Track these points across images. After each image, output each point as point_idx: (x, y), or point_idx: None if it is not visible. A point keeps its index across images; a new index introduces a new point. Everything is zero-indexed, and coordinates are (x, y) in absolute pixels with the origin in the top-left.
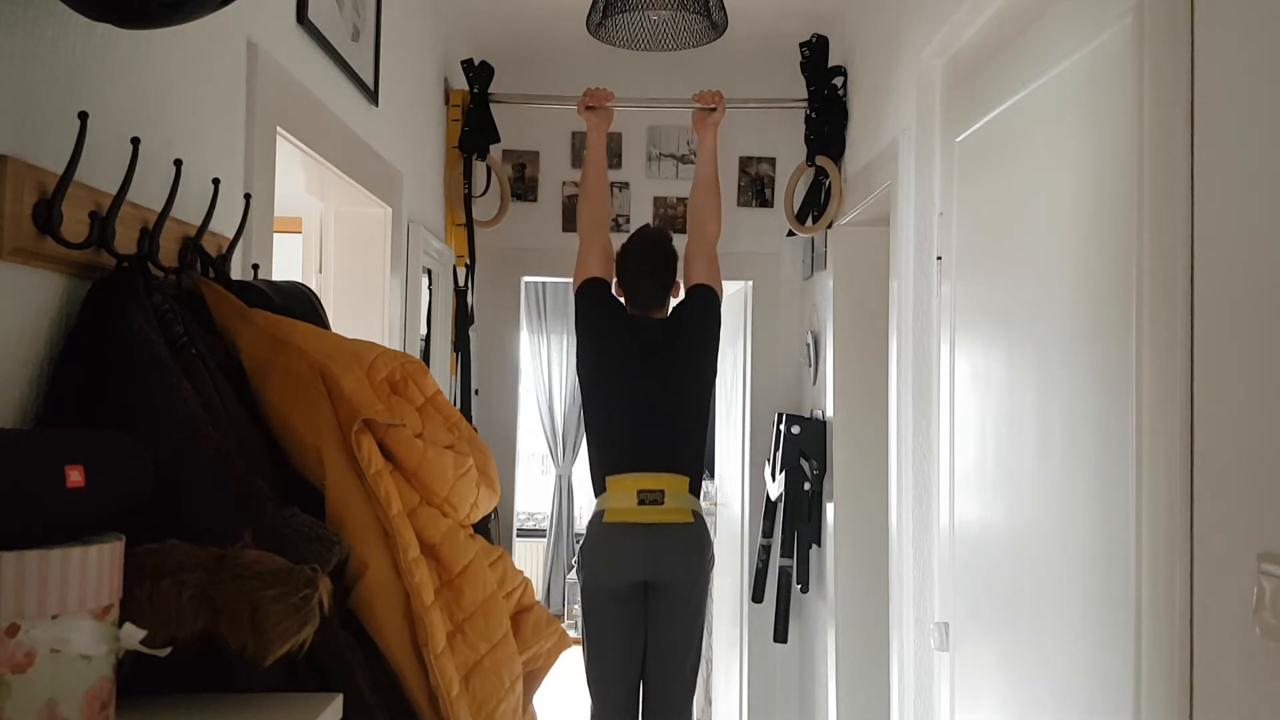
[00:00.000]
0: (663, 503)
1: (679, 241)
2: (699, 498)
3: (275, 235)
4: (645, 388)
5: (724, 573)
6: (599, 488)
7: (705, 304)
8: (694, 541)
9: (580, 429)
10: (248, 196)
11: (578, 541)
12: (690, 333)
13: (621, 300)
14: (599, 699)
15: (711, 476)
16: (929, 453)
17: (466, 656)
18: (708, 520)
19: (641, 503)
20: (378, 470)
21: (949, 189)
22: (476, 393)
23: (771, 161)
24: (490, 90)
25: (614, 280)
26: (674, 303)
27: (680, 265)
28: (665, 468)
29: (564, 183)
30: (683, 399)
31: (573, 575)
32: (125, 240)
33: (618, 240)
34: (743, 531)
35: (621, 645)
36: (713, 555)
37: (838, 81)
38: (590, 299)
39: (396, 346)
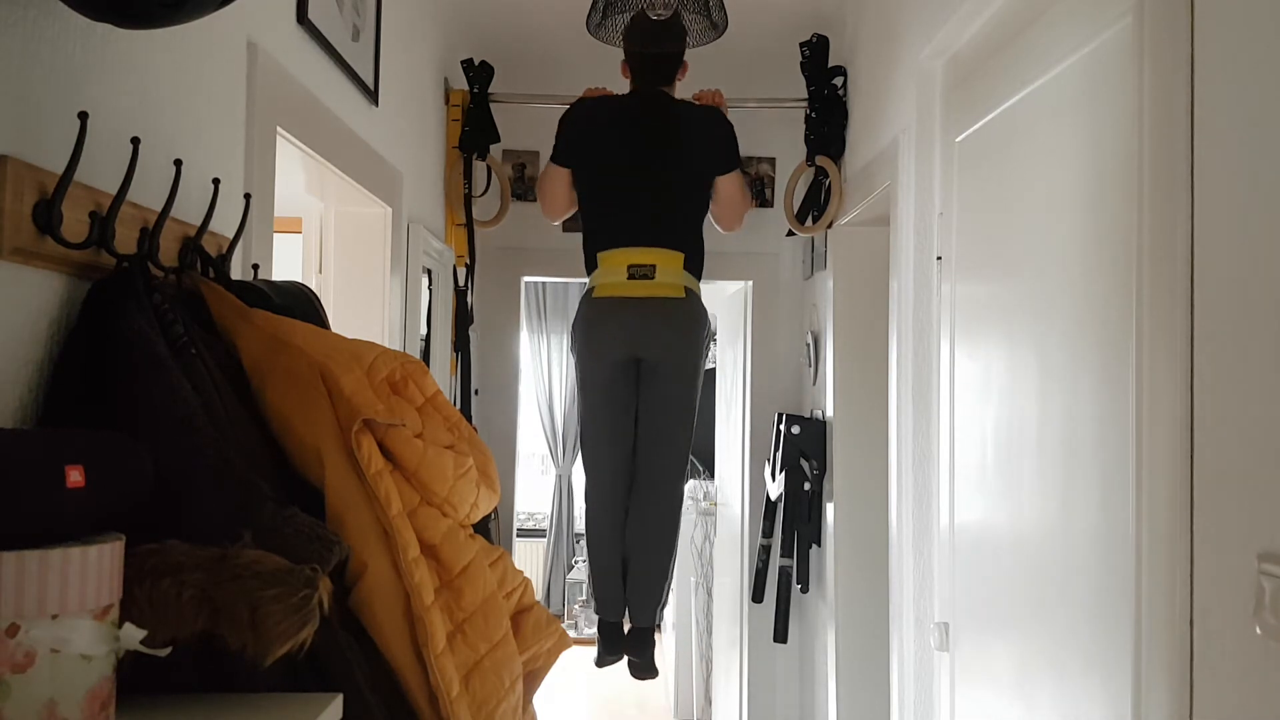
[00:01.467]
0: (653, 277)
1: None
2: (697, 277)
3: (275, 235)
4: (642, 164)
5: (724, 572)
6: (590, 265)
7: (723, 125)
8: (685, 317)
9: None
10: (248, 196)
11: (578, 541)
12: (705, 130)
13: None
14: (593, 471)
15: (711, 476)
16: (929, 453)
17: (466, 656)
18: (701, 297)
19: (631, 277)
20: (378, 470)
21: (949, 189)
22: (476, 393)
23: (771, 161)
24: (490, 90)
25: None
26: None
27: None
28: (659, 243)
29: None
30: (682, 179)
31: (573, 574)
32: (125, 240)
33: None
34: (743, 531)
35: (613, 420)
36: (710, 331)
37: (838, 81)
38: (575, 114)
39: (396, 346)
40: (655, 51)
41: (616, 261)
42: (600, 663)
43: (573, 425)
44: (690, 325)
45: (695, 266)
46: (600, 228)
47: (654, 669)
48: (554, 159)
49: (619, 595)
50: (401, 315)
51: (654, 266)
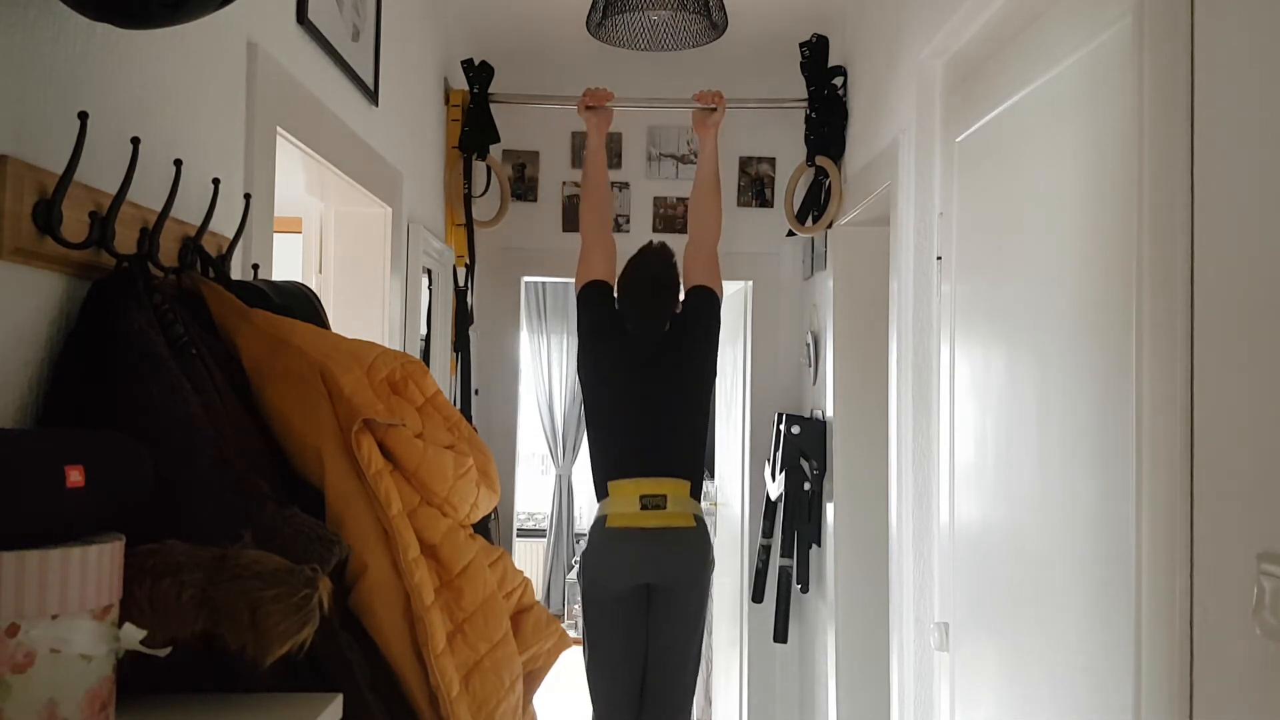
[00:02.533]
0: (665, 507)
1: (678, 244)
2: (700, 501)
3: (275, 235)
4: (646, 393)
5: (724, 573)
6: (601, 492)
7: (705, 306)
8: (696, 545)
9: (580, 429)
10: (248, 196)
11: (578, 541)
12: (691, 337)
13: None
14: (601, 701)
15: (711, 476)
16: (929, 453)
17: (466, 656)
18: (708, 521)
19: (644, 507)
20: (378, 470)
21: (949, 189)
22: (476, 393)
23: (771, 161)
24: (490, 90)
25: (615, 286)
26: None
27: (680, 267)
28: (667, 472)
29: (564, 183)
30: (684, 403)
31: (573, 576)
32: (125, 240)
33: (621, 241)
34: (743, 531)
35: (623, 647)
36: (713, 559)
37: (838, 81)
38: (592, 301)
39: (396, 346)
40: (650, 304)
41: (628, 492)
42: None
43: (573, 425)
44: (700, 554)
45: (698, 492)
46: (609, 457)
47: None
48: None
49: None
50: (401, 315)
51: (665, 497)
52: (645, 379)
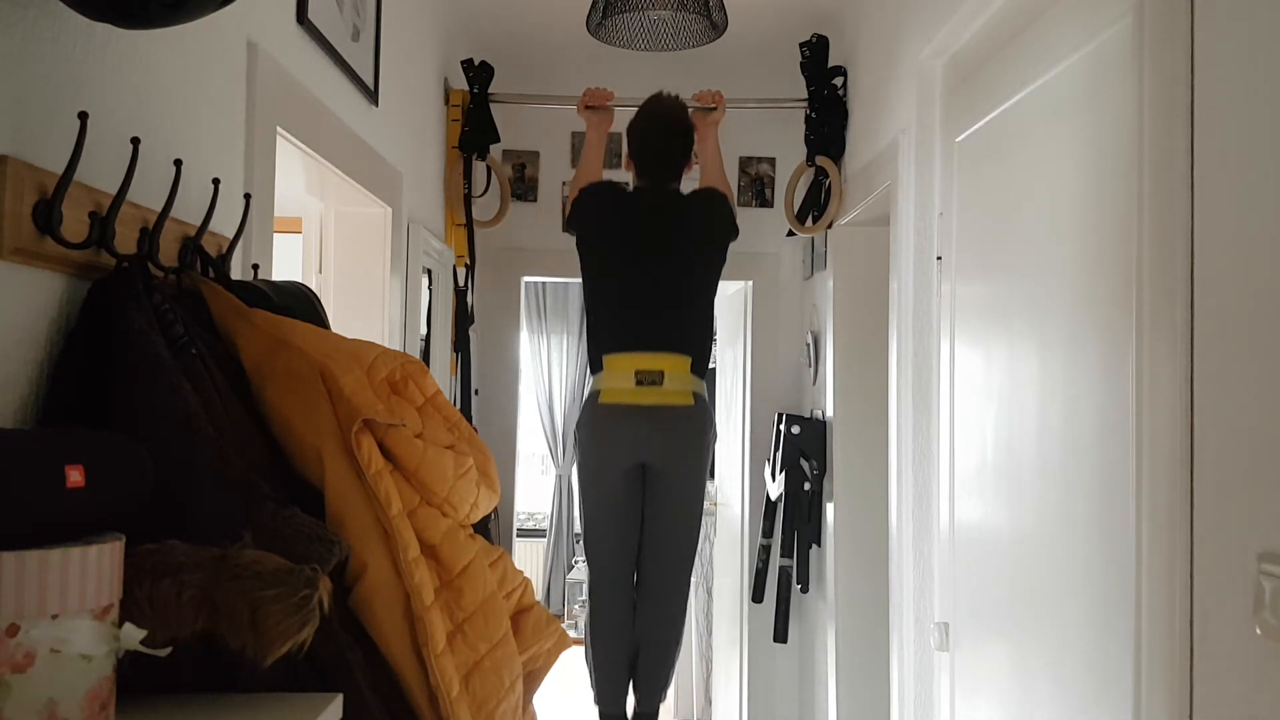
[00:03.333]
0: (662, 384)
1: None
2: (703, 379)
3: (275, 235)
4: (650, 263)
5: (724, 573)
6: (596, 366)
7: (721, 202)
8: (693, 425)
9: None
10: (248, 196)
11: (578, 542)
12: (705, 219)
13: (626, 185)
14: (597, 576)
15: (711, 476)
16: (929, 453)
17: (466, 656)
18: (707, 402)
19: (639, 383)
20: (378, 470)
21: (949, 189)
22: (476, 393)
23: (771, 161)
24: (490, 90)
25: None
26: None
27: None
28: (666, 347)
29: (564, 183)
30: (688, 279)
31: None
32: (125, 240)
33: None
34: (743, 531)
35: (618, 525)
36: (715, 434)
37: (838, 81)
38: (587, 193)
39: (396, 346)
40: (662, 147)
41: (623, 366)
42: None
43: (573, 425)
44: (698, 434)
45: (701, 369)
46: (605, 329)
47: None
48: (566, 227)
49: (622, 689)
50: (401, 315)
51: (662, 373)
52: (649, 250)
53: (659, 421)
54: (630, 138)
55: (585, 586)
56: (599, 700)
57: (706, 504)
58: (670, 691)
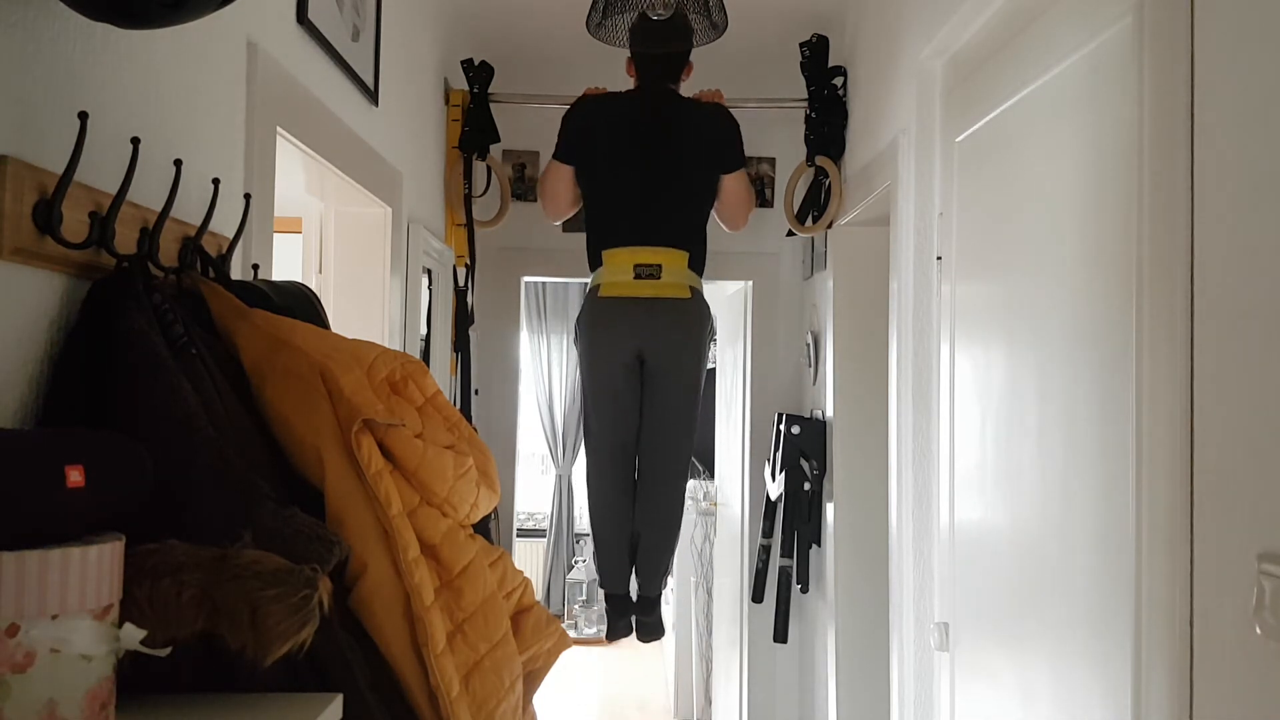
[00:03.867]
0: (659, 277)
1: None
2: (700, 275)
3: (275, 235)
4: (647, 162)
5: (724, 573)
6: (595, 261)
7: (733, 132)
8: (690, 317)
9: (580, 429)
10: (248, 196)
11: (578, 541)
12: (710, 130)
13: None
14: (596, 463)
15: (711, 476)
16: (929, 453)
17: (466, 656)
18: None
19: (638, 276)
20: (378, 470)
21: (949, 189)
22: (476, 393)
23: (771, 161)
24: (490, 90)
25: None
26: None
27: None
28: (664, 241)
29: None
30: (687, 178)
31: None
32: (125, 240)
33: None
34: (743, 531)
35: (619, 414)
36: (712, 328)
37: (838, 81)
38: (576, 109)
39: (396, 346)
40: (661, 50)
41: (622, 260)
42: (612, 635)
43: (573, 425)
44: (695, 325)
45: (699, 264)
46: (605, 225)
47: (662, 628)
48: (556, 156)
49: (624, 571)
50: (401, 315)
51: (660, 266)
52: (647, 149)
53: (656, 313)
54: (631, 36)
55: (585, 473)
56: (603, 583)
57: (706, 504)
58: (670, 691)
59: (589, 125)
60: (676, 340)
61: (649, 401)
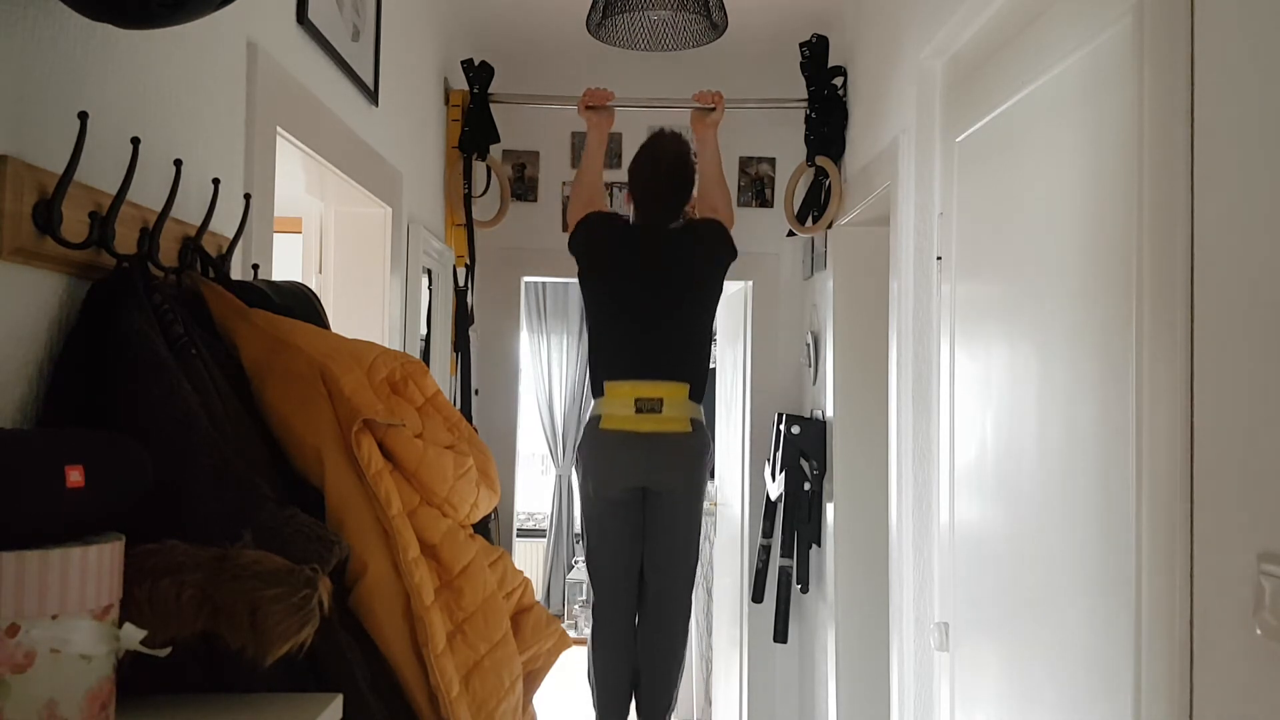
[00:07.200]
0: (660, 411)
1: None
2: (700, 404)
3: (275, 235)
4: (648, 293)
5: (724, 573)
6: (597, 391)
7: (719, 229)
8: (692, 450)
9: (580, 430)
10: (248, 196)
11: (578, 542)
12: (704, 247)
13: (626, 214)
14: (600, 594)
15: (712, 476)
16: (929, 453)
17: (466, 656)
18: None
19: (639, 410)
20: (378, 470)
21: (949, 189)
22: (476, 393)
23: (771, 161)
24: (490, 90)
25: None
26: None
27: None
28: (665, 375)
29: (564, 183)
30: (687, 307)
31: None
32: (125, 240)
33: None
34: (743, 531)
35: (620, 548)
36: (712, 458)
37: (838, 81)
38: (589, 222)
39: (396, 346)
40: (661, 191)
41: (624, 394)
42: None
43: (573, 425)
44: (696, 459)
45: (699, 394)
46: (607, 356)
47: None
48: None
49: (624, 708)
50: (401, 315)
51: (661, 400)
52: (648, 280)
53: (658, 448)
54: (631, 178)
55: (590, 605)
56: (601, 717)
57: (706, 504)
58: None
59: (598, 237)
60: (678, 474)
61: (651, 533)
